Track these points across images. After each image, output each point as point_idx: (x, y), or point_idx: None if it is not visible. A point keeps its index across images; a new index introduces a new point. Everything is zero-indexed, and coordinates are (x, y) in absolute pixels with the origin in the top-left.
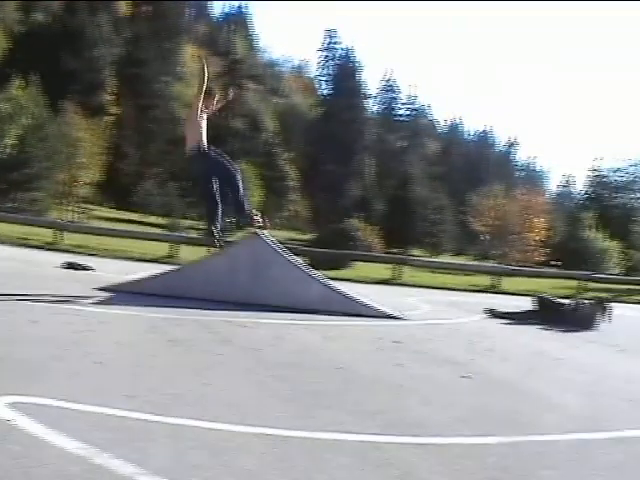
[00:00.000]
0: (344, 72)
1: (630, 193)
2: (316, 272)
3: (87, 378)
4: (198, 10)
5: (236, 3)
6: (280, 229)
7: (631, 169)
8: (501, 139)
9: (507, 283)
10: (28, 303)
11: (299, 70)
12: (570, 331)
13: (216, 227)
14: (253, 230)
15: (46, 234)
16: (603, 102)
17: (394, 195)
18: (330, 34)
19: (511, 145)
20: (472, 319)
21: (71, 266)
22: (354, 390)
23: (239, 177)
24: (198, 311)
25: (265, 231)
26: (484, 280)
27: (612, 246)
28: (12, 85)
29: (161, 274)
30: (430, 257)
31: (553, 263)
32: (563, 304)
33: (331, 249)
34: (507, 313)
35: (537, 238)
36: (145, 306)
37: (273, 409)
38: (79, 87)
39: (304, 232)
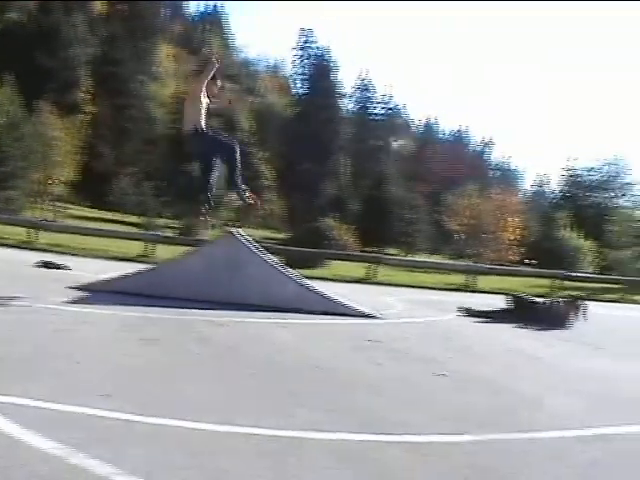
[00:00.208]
0: (319, 71)
1: (604, 192)
2: (291, 271)
3: (64, 378)
4: (174, 9)
5: (211, 3)
6: (255, 228)
7: (605, 168)
8: (476, 139)
9: (482, 282)
10: (2, 302)
11: (274, 69)
12: (545, 329)
13: (208, 202)
14: (228, 229)
15: (22, 233)
16: (577, 102)
17: (369, 194)
18: (305, 33)
19: (486, 145)
20: (447, 318)
21: (47, 265)
22: (331, 389)
23: (238, 152)
24: (174, 310)
25: (241, 229)
26: (459, 279)
27: (586, 245)
28: None
29: (136, 273)
30: (405, 256)
31: (527, 262)
32: (537, 302)
33: (306, 248)
34: (482, 312)
35: (511, 237)
36: (121, 305)
37: (250, 408)
38: (54, 86)
39: (279, 231)
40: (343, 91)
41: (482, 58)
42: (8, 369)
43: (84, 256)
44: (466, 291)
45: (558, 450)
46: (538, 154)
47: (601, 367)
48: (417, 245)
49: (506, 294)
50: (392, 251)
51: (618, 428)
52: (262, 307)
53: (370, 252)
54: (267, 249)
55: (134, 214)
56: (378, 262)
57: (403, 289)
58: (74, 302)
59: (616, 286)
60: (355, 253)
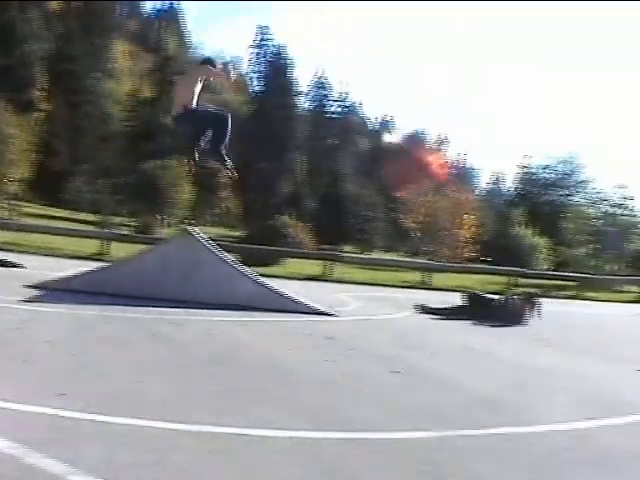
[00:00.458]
0: (276, 69)
1: (559, 190)
2: (247, 269)
3: (18, 377)
4: (129, 7)
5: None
6: (211, 226)
7: (560, 166)
8: (432, 137)
9: (437, 279)
10: None
11: (232, 66)
12: (499, 326)
13: (193, 157)
14: (184, 227)
15: None
16: (533, 100)
17: (325, 192)
18: (262, 31)
19: (441, 142)
20: (403, 315)
21: (2, 263)
22: (285, 386)
23: (229, 123)
24: (130, 308)
25: (196, 227)
26: (415, 276)
27: (541, 242)
28: None
29: (92, 271)
30: (361, 254)
31: (483, 259)
32: (492, 300)
33: (262, 246)
34: (437, 309)
35: (467, 235)
36: (76, 303)
37: (205, 406)
38: (9, 83)
39: (235, 229)
40: (299, 89)
41: (438, 57)
42: None
43: (40, 254)
44: (422, 289)
45: (512, 446)
46: (493, 152)
47: (553, 363)
48: (373, 243)
49: (462, 291)
50: (348, 249)
51: (568, 424)
52: (218, 305)
53: (326, 250)
54: (223, 247)
55: (90, 212)
56: (334, 260)
57: (359, 287)
58: (30, 300)
59: (571, 283)
60: (311, 251)
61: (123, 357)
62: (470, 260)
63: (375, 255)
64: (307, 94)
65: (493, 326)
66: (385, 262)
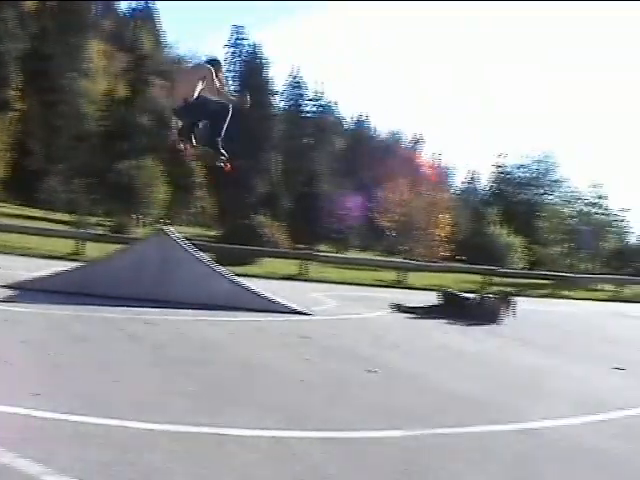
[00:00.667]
0: (251, 69)
1: (534, 189)
2: (222, 268)
3: None
4: (104, 6)
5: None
6: (187, 225)
7: (534, 166)
8: (407, 136)
9: (413, 278)
10: None
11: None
12: (475, 325)
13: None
14: (159, 227)
15: None
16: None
17: (301, 192)
18: (237, 30)
19: (417, 142)
20: (378, 314)
21: None
22: (260, 386)
23: (229, 113)
24: (105, 308)
25: (172, 227)
26: (390, 275)
27: (516, 241)
28: None
29: (67, 271)
30: (337, 253)
31: (458, 258)
32: (468, 298)
33: (238, 245)
34: (412, 308)
35: (442, 234)
36: (51, 303)
37: (179, 406)
38: None
39: (211, 228)
40: (274, 88)
41: (415, 56)
42: None
43: (15, 254)
44: (398, 288)
45: (487, 444)
46: (469, 151)
47: (529, 362)
48: (349, 241)
49: (437, 290)
50: (324, 248)
51: (544, 422)
52: (194, 305)
53: (302, 249)
54: (198, 247)
55: (65, 212)
56: (310, 259)
57: (335, 286)
58: (4, 301)
59: (546, 282)
60: (287, 250)
61: (98, 357)
62: (446, 259)
63: (351, 254)
64: (282, 93)
65: (469, 325)
66: (361, 261)
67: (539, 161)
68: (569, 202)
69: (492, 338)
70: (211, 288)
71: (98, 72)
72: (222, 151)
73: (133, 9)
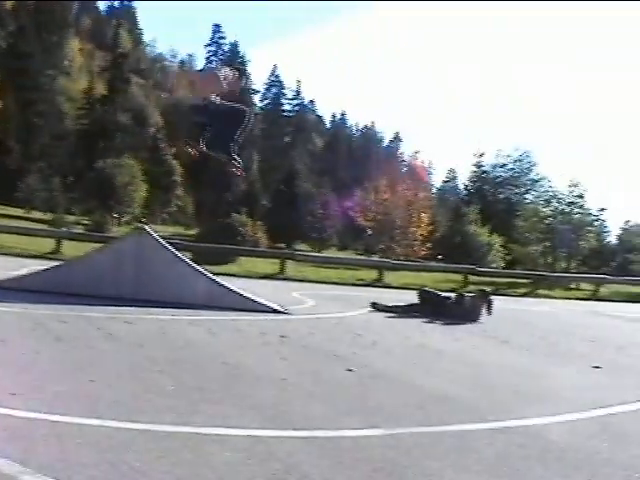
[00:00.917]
0: (229, 67)
1: (512, 188)
2: (200, 268)
3: None
4: (84, 4)
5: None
6: (165, 224)
7: (513, 165)
8: (385, 134)
9: (392, 277)
10: None
11: (185, 65)
12: (453, 324)
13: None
14: (138, 226)
15: None
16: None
17: (279, 190)
18: (216, 29)
19: (395, 140)
20: (357, 313)
21: None
22: (239, 385)
23: (246, 119)
24: (83, 307)
25: (150, 226)
26: (369, 274)
27: (494, 240)
28: None
29: (45, 270)
30: (316, 252)
31: (437, 257)
32: (447, 297)
33: (216, 244)
34: (391, 307)
35: (421, 233)
36: (29, 302)
37: (158, 405)
38: None
39: (189, 227)
40: (253, 87)
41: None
42: None
43: None
44: (377, 287)
45: (465, 443)
46: (448, 149)
47: (507, 360)
48: (328, 241)
49: (416, 289)
50: (302, 247)
51: (522, 421)
52: (172, 304)
53: (281, 248)
54: (176, 246)
55: (44, 211)
56: (288, 258)
57: (313, 285)
58: None
59: (524, 281)
60: (265, 249)
61: (76, 356)
62: (425, 258)
63: (330, 253)
64: (261, 92)
65: (447, 324)
66: (340, 260)
67: (518, 160)
68: (547, 201)
69: (471, 337)
70: (190, 287)
71: (77, 70)
72: (235, 157)
73: (112, 7)
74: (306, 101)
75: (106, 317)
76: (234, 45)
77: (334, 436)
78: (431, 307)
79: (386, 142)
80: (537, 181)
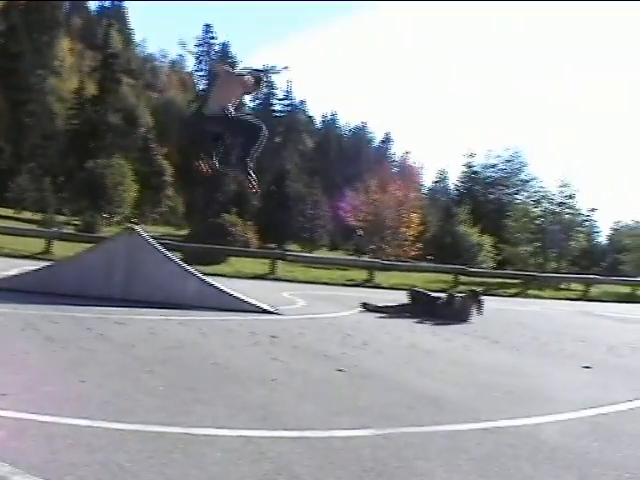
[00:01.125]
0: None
1: (503, 189)
2: (190, 268)
3: None
4: (75, 3)
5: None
6: (156, 224)
7: (503, 165)
8: (376, 135)
9: (382, 277)
10: None
11: (176, 65)
12: (444, 324)
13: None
14: (128, 226)
15: None
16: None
17: (270, 190)
18: (207, 29)
19: (386, 141)
20: (347, 313)
21: None
22: (229, 385)
23: (263, 135)
24: (73, 307)
25: (139, 227)
26: (360, 274)
27: (485, 240)
28: None
29: (36, 270)
30: (306, 252)
31: (428, 257)
32: (437, 297)
33: (207, 244)
34: (381, 307)
35: (412, 233)
36: (19, 303)
37: (148, 405)
38: None
39: (180, 227)
40: None
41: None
42: None
43: None
44: (367, 287)
45: (456, 443)
46: (438, 150)
47: (497, 361)
48: (318, 241)
49: (406, 289)
50: (293, 247)
51: (513, 421)
52: (162, 304)
53: (271, 248)
54: (167, 246)
55: (34, 211)
56: (279, 258)
57: (304, 285)
58: None
59: (514, 281)
60: (256, 249)
61: (66, 357)
62: (415, 258)
63: (320, 253)
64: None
65: (438, 324)
66: (330, 260)
67: (508, 161)
68: (538, 202)
69: (461, 337)
70: (180, 287)
71: (68, 70)
72: (251, 173)
73: (103, 7)
74: (297, 101)
75: (96, 317)
76: (224, 45)
77: (324, 436)
78: (421, 307)
79: (377, 142)
80: (527, 181)
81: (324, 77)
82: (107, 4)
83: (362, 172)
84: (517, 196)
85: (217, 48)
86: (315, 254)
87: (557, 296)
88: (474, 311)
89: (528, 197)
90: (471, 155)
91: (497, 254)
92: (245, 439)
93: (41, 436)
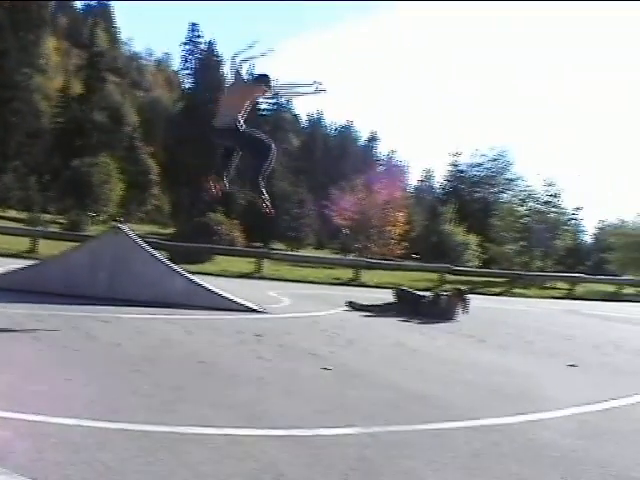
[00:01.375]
0: (206, 66)
1: (488, 187)
2: (176, 266)
3: None
4: (60, 2)
5: None
6: (142, 223)
7: (489, 164)
8: (362, 134)
9: (368, 276)
10: None
11: (162, 63)
12: (430, 322)
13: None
14: (114, 224)
15: None
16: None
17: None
18: (193, 27)
19: (372, 139)
20: (333, 312)
21: None
22: (215, 384)
23: (272, 153)
24: (59, 306)
25: (125, 225)
26: (345, 273)
27: (470, 239)
28: None
29: (21, 269)
30: (292, 251)
31: (414, 256)
32: (422, 296)
33: (192, 243)
34: (367, 306)
35: (397, 232)
36: (5, 302)
37: (134, 404)
38: None
39: (165, 226)
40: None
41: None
42: None
43: None
44: (352, 285)
45: (442, 442)
46: (424, 149)
47: (483, 359)
48: (304, 240)
49: (392, 288)
50: (279, 246)
51: (499, 419)
52: (149, 303)
53: (257, 247)
54: (153, 245)
55: (19, 209)
56: (265, 257)
57: (290, 284)
58: None
59: (500, 280)
60: (242, 248)
61: (52, 355)
62: (401, 257)
63: (306, 252)
64: None
65: (424, 322)
66: (316, 259)
67: (494, 160)
68: (523, 200)
69: (447, 336)
70: (167, 286)
71: (53, 69)
72: (264, 193)
73: (89, 5)
74: (283, 100)
75: (82, 316)
76: (210, 43)
77: (310, 435)
78: (407, 306)
79: (363, 141)
80: (513, 180)
81: (309, 76)
82: (93, 3)
83: (348, 171)
84: (502, 195)
85: (203, 47)
86: (301, 253)
87: (543, 295)
88: (460, 310)
89: (514, 196)
90: (457, 154)
91: (483, 253)
92: (231, 438)
93: (27, 435)
